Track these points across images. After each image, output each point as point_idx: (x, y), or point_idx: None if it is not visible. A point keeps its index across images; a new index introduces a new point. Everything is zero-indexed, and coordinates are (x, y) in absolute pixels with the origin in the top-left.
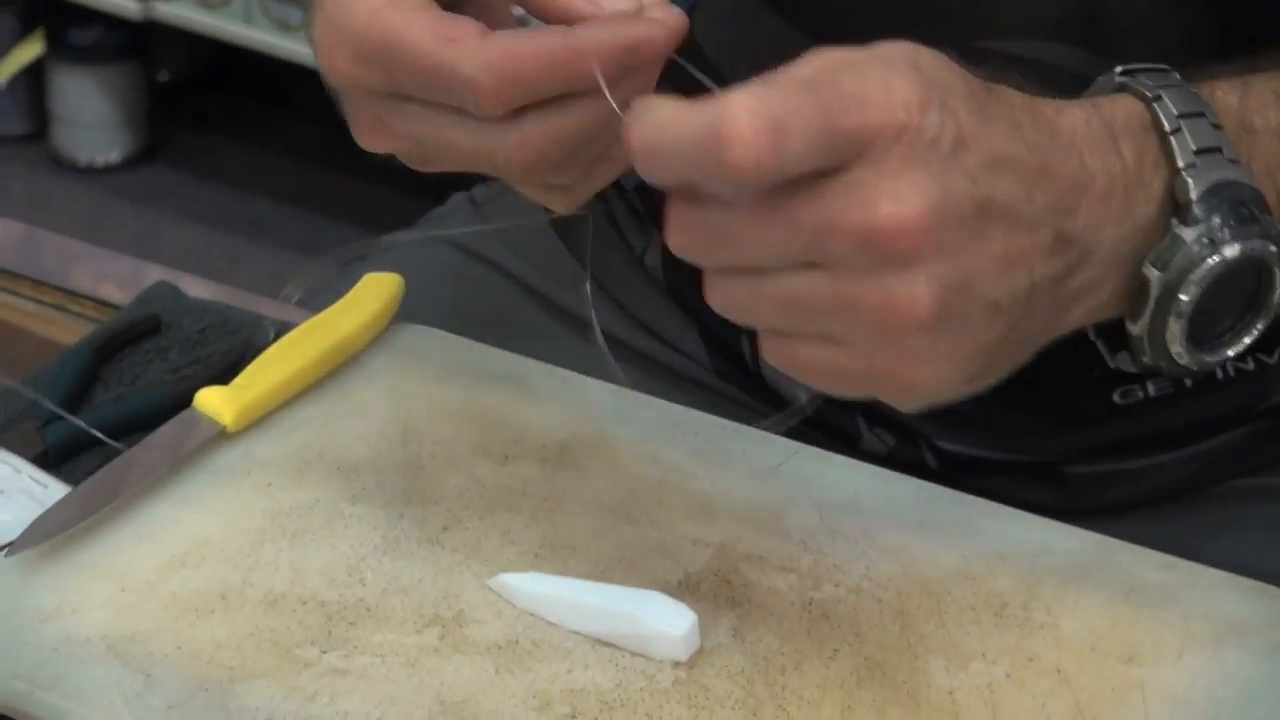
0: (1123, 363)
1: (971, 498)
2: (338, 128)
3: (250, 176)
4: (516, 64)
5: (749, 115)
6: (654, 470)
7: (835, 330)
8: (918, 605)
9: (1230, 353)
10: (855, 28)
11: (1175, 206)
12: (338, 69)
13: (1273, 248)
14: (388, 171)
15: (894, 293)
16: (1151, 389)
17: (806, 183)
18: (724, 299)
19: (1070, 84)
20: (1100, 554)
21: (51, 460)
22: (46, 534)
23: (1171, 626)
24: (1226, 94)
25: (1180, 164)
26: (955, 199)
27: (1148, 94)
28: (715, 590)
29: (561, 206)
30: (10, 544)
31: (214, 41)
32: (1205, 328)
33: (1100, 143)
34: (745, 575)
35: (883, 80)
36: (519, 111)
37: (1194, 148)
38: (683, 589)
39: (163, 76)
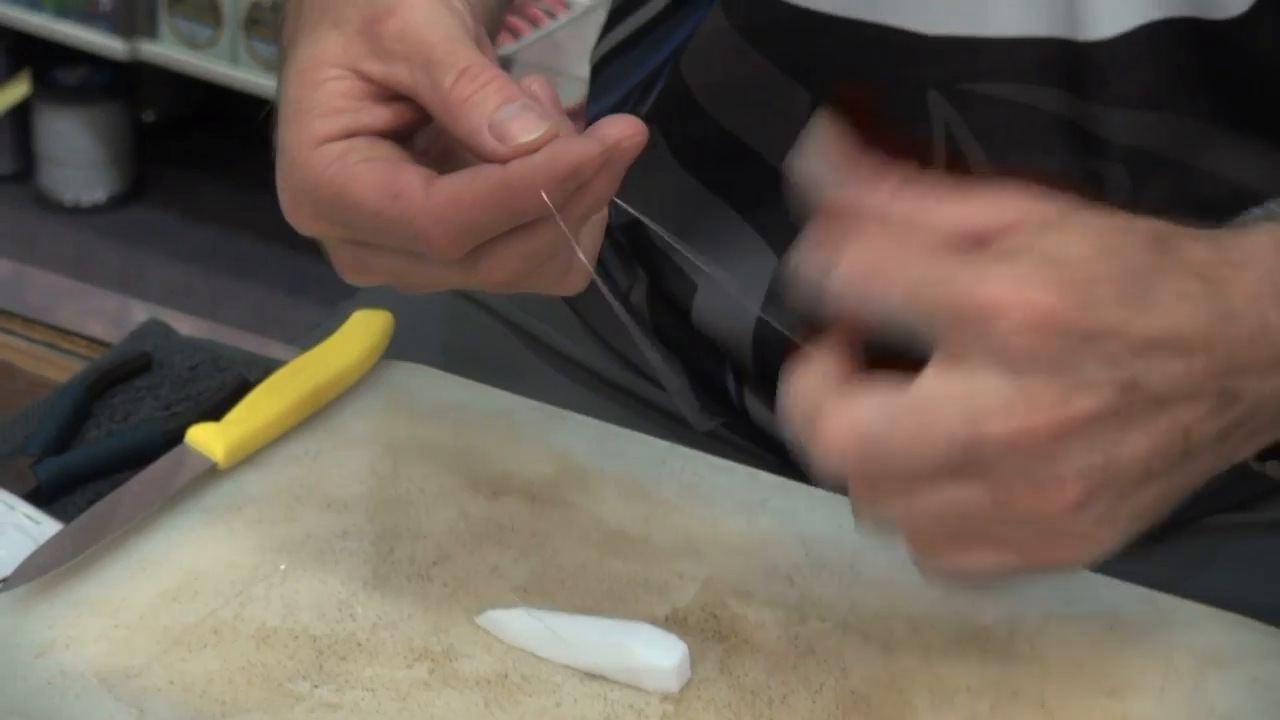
0: (1273, 471)
1: None
2: None
3: (236, 215)
4: (462, 211)
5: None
6: (641, 506)
7: (993, 533)
8: (902, 639)
9: None
10: (841, 71)
11: None
12: (302, 224)
13: None
14: None
15: (1044, 487)
16: None
17: (951, 383)
18: (877, 516)
19: (1051, 127)
20: (1082, 587)
21: (44, 497)
22: (39, 570)
23: (1154, 659)
24: None
25: None
26: (1095, 393)
27: None
28: (702, 624)
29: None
30: (4, 580)
31: (200, 81)
32: None
33: None
34: (732, 609)
35: (1017, 276)
36: (484, 244)
37: None
38: (670, 623)
39: (148, 116)
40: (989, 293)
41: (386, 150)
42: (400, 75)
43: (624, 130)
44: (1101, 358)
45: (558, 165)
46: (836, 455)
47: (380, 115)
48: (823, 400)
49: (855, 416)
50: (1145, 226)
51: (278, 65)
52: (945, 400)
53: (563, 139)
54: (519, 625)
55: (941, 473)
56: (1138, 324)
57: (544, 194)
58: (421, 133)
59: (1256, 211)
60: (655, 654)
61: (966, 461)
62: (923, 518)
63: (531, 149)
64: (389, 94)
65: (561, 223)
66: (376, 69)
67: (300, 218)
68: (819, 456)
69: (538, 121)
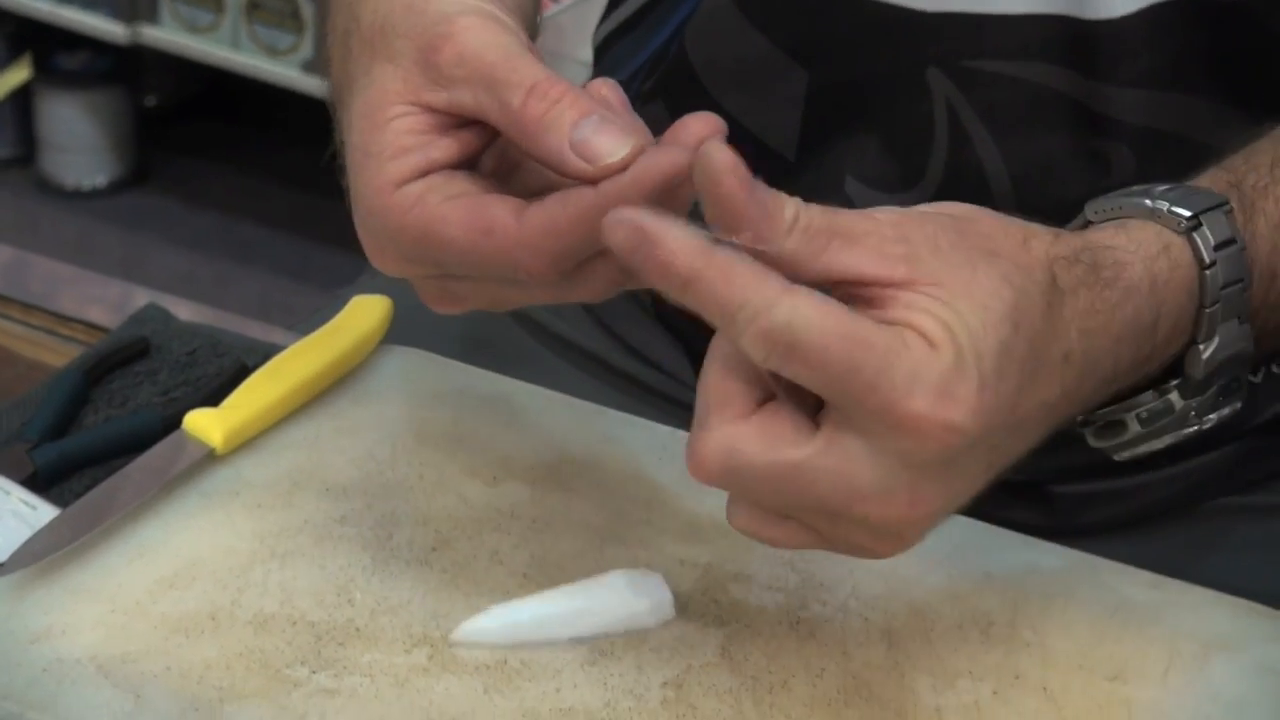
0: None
1: (958, 517)
2: (325, 151)
3: (237, 200)
4: (558, 239)
5: (766, 325)
6: (642, 491)
7: (819, 534)
8: (904, 624)
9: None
10: (842, 50)
11: (1180, 371)
12: (389, 268)
13: (1239, 405)
14: None
15: (885, 541)
16: None
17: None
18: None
19: (1057, 105)
20: (1086, 572)
21: (41, 482)
22: (36, 556)
23: (1158, 644)
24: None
25: (1200, 340)
26: (967, 478)
27: (1206, 259)
28: (703, 609)
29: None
30: (0, 565)
31: (201, 66)
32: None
33: (1143, 332)
34: (733, 594)
35: (939, 390)
36: (581, 264)
37: (1221, 319)
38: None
39: (150, 101)
40: (912, 413)
41: (466, 184)
42: (465, 101)
43: (706, 129)
44: (985, 449)
45: (650, 181)
46: (703, 470)
47: (450, 147)
48: (715, 412)
49: (735, 446)
50: (1040, 276)
51: (331, 107)
52: (828, 473)
53: (649, 151)
54: (493, 626)
55: (797, 514)
56: (1022, 408)
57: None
58: (487, 152)
59: (1157, 201)
60: (633, 597)
61: (826, 513)
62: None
63: (620, 168)
64: (455, 122)
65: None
66: (440, 99)
67: (387, 263)
68: (687, 457)
69: (622, 137)
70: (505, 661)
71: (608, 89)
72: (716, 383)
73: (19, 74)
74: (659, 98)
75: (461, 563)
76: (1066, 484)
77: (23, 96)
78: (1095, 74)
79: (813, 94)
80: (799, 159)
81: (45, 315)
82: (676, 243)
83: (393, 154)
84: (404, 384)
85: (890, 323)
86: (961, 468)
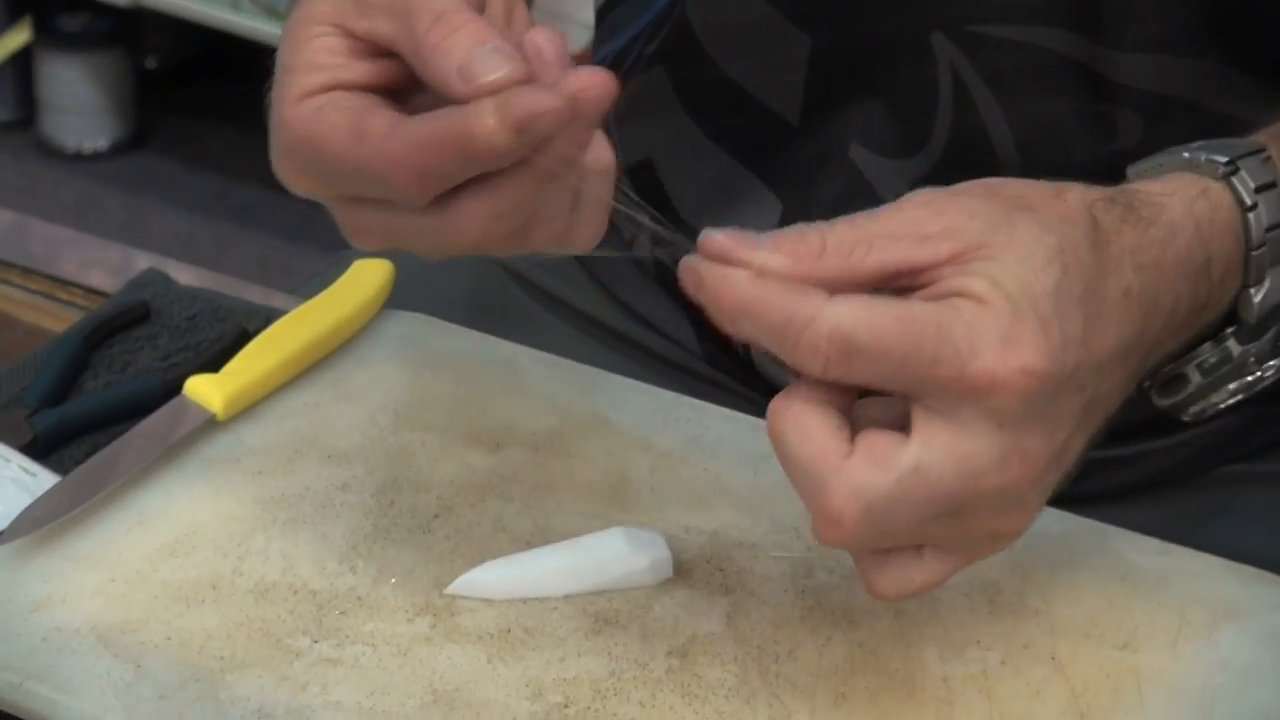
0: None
1: None
2: None
3: (239, 162)
4: (420, 153)
5: (825, 331)
6: (646, 457)
7: (946, 547)
8: None
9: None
10: (845, 15)
11: (1234, 316)
12: (288, 180)
13: None
14: None
15: (1010, 513)
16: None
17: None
18: (892, 583)
19: (1062, 69)
20: (1094, 539)
21: (40, 449)
22: (36, 523)
23: (1167, 612)
24: None
25: (1251, 284)
26: (1068, 423)
27: (1247, 201)
28: (708, 577)
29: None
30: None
31: (202, 27)
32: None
33: (1197, 272)
34: (738, 562)
35: (1002, 340)
36: (456, 192)
37: (1270, 261)
38: (675, 576)
39: (151, 63)
40: (982, 370)
41: (362, 100)
42: (382, 29)
43: (587, 82)
44: (1072, 390)
45: (512, 110)
46: (846, 525)
47: (363, 70)
48: (823, 467)
49: (859, 486)
50: (1078, 219)
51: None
52: (944, 464)
53: (527, 86)
54: (490, 580)
55: (930, 530)
56: (1098, 346)
57: (505, 141)
58: (422, 96)
59: (1183, 156)
60: (631, 555)
61: (955, 511)
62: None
63: (492, 89)
64: (373, 50)
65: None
66: (361, 25)
67: (286, 173)
68: (822, 525)
69: (503, 62)
70: (509, 630)
71: (543, 38)
72: (804, 446)
73: (19, 36)
74: (660, 62)
75: (464, 529)
76: None
77: (23, 59)
78: (1101, 38)
79: (816, 59)
80: (803, 124)
81: (45, 280)
82: (723, 281)
83: (305, 69)
84: (406, 349)
85: (939, 297)
86: (1055, 414)
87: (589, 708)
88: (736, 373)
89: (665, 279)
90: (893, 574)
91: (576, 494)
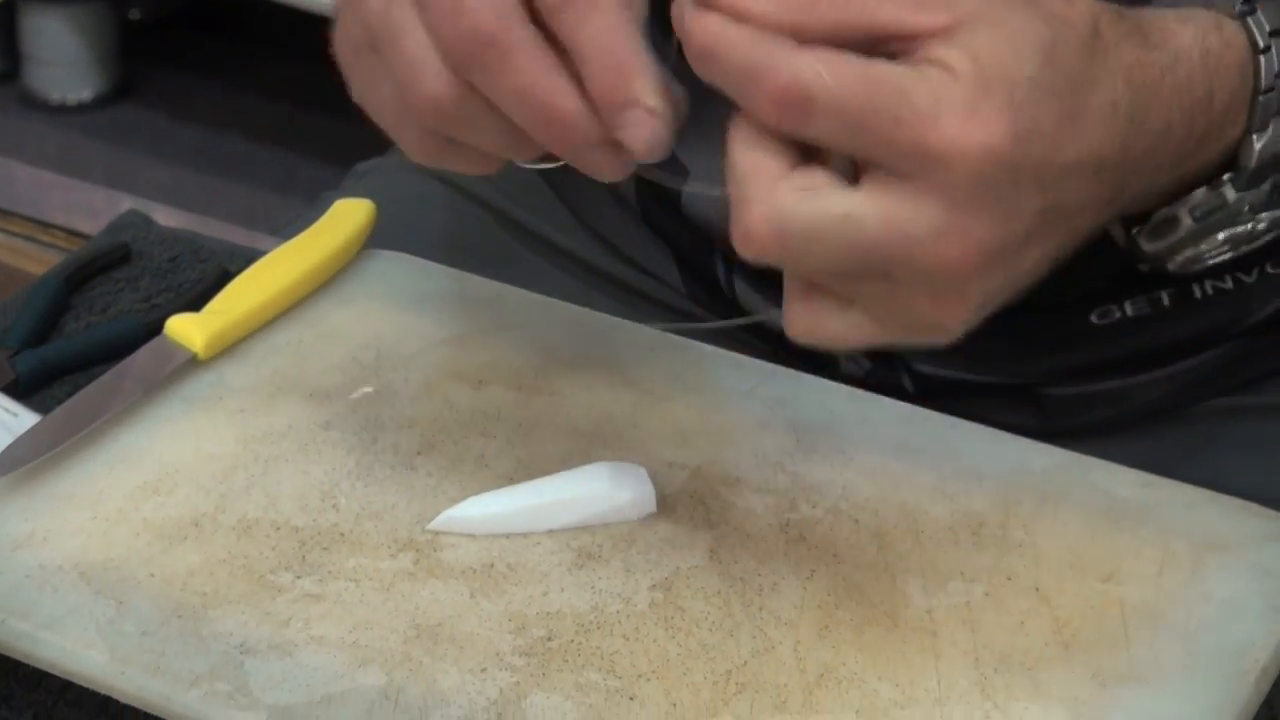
0: (1112, 229)
1: (948, 418)
2: (310, 64)
3: (223, 114)
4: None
5: (784, 79)
6: (629, 394)
7: (877, 312)
8: (895, 525)
9: (1211, 264)
10: None
11: (1233, 162)
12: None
13: None
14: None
15: (947, 301)
16: (1129, 309)
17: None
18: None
19: None
20: (1078, 472)
21: (22, 389)
22: (17, 462)
23: (1150, 544)
24: None
25: (1254, 129)
26: (1021, 220)
27: (1261, 43)
28: (691, 512)
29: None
30: None
31: None
32: (1205, 256)
33: (1195, 105)
34: (722, 497)
35: (965, 109)
36: None
37: (1276, 109)
38: (658, 511)
39: (134, 14)
40: (941, 138)
41: None
42: None
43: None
44: (1031, 185)
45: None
46: (755, 241)
47: None
48: (753, 181)
49: (780, 209)
50: (1080, 24)
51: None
52: (878, 219)
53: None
54: (472, 515)
55: (852, 273)
56: (1069, 149)
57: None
58: None
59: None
60: (614, 489)
61: (882, 271)
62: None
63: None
64: None
65: None
66: None
67: None
68: (737, 235)
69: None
70: (491, 565)
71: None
72: (744, 156)
73: None
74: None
75: (447, 466)
76: (1057, 386)
77: (6, 11)
78: None
79: None
80: None
81: (26, 222)
82: (696, 21)
83: None
84: (388, 288)
85: (914, 64)
86: (1009, 205)
87: (572, 641)
88: (720, 310)
89: (650, 217)
90: (810, 310)
91: (559, 431)
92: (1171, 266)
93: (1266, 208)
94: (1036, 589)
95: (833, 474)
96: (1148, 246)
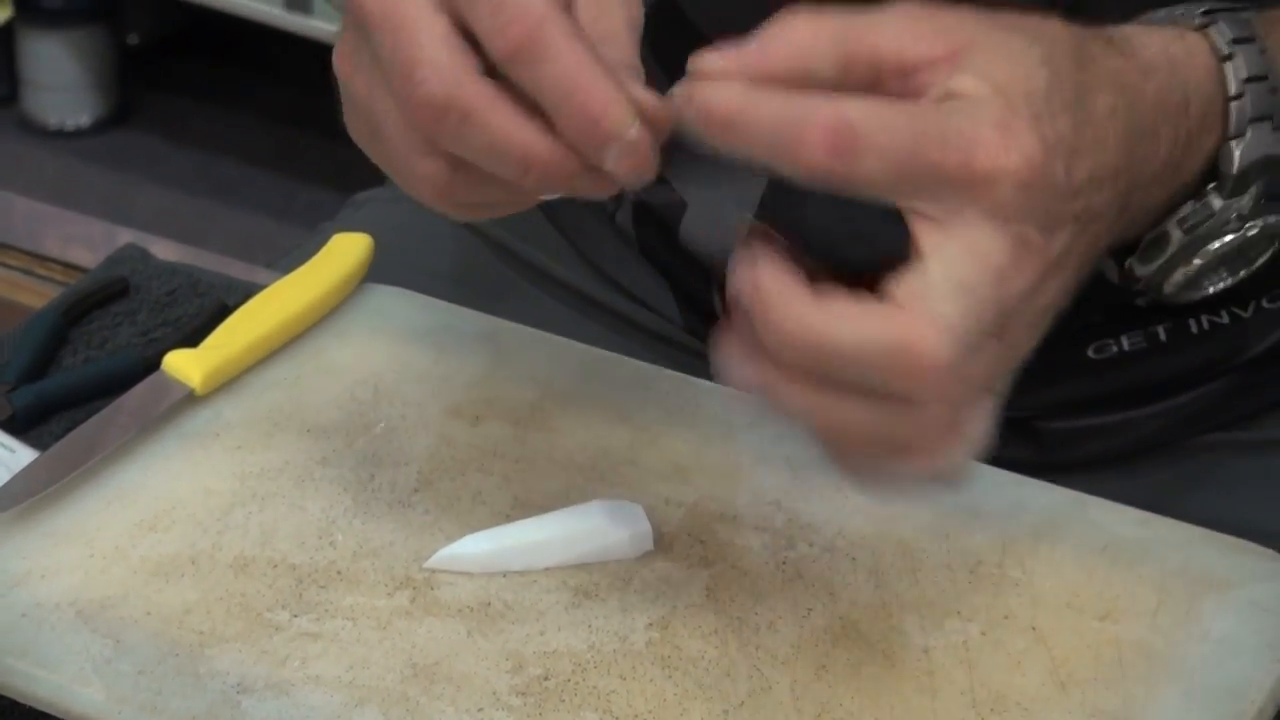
0: (1105, 265)
1: None
2: (308, 89)
3: (221, 139)
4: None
5: (830, 120)
6: (626, 429)
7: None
8: (891, 564)
9: (1210, 291)
10: None
11: (1215, 173)
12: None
13: None
14: None
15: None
16: (1126, 344)
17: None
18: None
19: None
20: (1075, 510)
21: (19, 425)
22: (14, 499)
23: (1147, 582)
24: None
25: (1231, 134)
26: (1065, 227)
27: (1224, 50)
28: (688, 550)
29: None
30: None
31: (183, 3)
32: (1201, 277)
33: (1175, 112)
34: (718, 535)
35: (1000, 127)
36: None
37: (1250, 115)
38: (655, 549)
39: (133, 39)
40: (987, 154)
41: None
42: None
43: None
44: (1068, 194)
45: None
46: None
47: None
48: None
49: (931, 319)
50: (1064, 38)
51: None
52: (970, 268)
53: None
54: (470, 553)
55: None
56: (1087, 155)
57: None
58: None
59: (1160, 14)
60: (612, 527)
61: (999, 326)
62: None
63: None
64: None
65: None
66: None
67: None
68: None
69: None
70: (489, 604)
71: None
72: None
73: (1, 13)
74: (644, 35)
75: (444, 503)
76: (1055, 420)
77: (4, 36)
78: None
79: None
80: None
81: (24, 255)
82: (712, 93)
83: None
84: (385, 322)
85: (934, 100)
86: (1055, 215)
87: (569, 680)
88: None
89: (647, 249)
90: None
91: (556, 467)
92: (1168, 289)
93: (1255, 215)
94: (1033, 628)
95: (830, 511)
96: (1141, 270)
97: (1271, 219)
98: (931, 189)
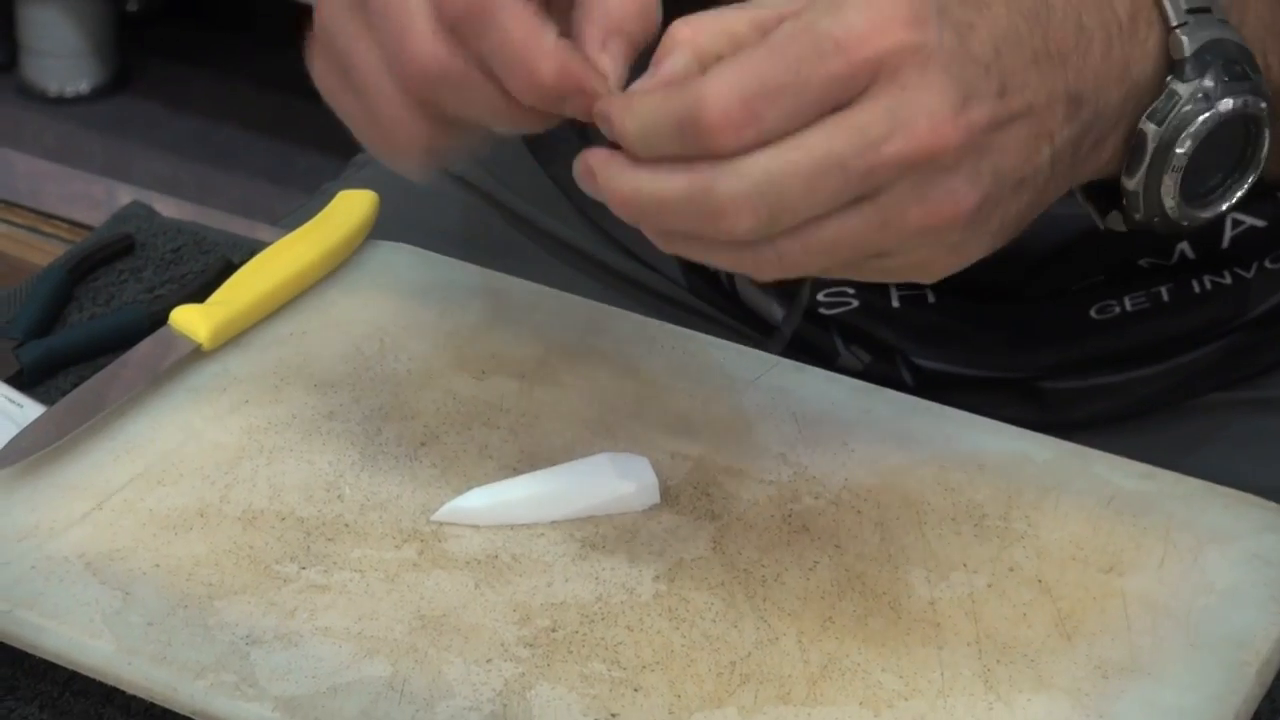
0: (1113, 223)
1: (949, 409)
2: (305, 54)
3: (219, 105)
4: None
5: (721, 101)
6: (631, 384)
7: (883, 249)
8: (897, 516)
9: (1222, 208)
10: None
11: (1170, 64)
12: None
13: (1263, 104)
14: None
15: (938, 203)
16: (1129, 304)
17: (840, 125)
18: (778, 265)
19: None
20: (1079, 463)
21: (27, 380)
22: (23, 453)
23: (1152, 535)
24: None
25: (1173, 22)
26: (978, 94)
27: None
28: (694, 503)
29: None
30: None
31: None
32: (1197, 183)
33: (1095, 2)
34: (724, 488)
35: (865, 6)
36: None
37: (1185, 6)
38: (662, 502)
39: (132, 6)
40: (866, 44)
41: None
42: None
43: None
44: (973, 65)
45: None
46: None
47: None
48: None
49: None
50: None
51: None
52: (839, 138)
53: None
54: (477, 506)
55: (837, 207)
56: (982, 23)
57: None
58: None
59: None
60: (618, 480)
61: (865, 187)
62: (820, 254)
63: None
64: None
65: None
66: None
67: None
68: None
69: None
70: (496, 556)
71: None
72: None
73: None
74: None
75: (450, 457)
76: (1057, 380)
77: (4, 3)
78: None
79: None
80: None
81: (28, 213)
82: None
83: None
84: (391, 278)
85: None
86: (965, 84)
87: (576, 632)
88: (720, 302)
89: None
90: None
91: (562, 421)
92: (1170, 205)
93: (1226, 95)
94: (1039, 580)
95: (835, 465)
96: (1130, 184)
97: (1238, 98)
98: (838, 95)
